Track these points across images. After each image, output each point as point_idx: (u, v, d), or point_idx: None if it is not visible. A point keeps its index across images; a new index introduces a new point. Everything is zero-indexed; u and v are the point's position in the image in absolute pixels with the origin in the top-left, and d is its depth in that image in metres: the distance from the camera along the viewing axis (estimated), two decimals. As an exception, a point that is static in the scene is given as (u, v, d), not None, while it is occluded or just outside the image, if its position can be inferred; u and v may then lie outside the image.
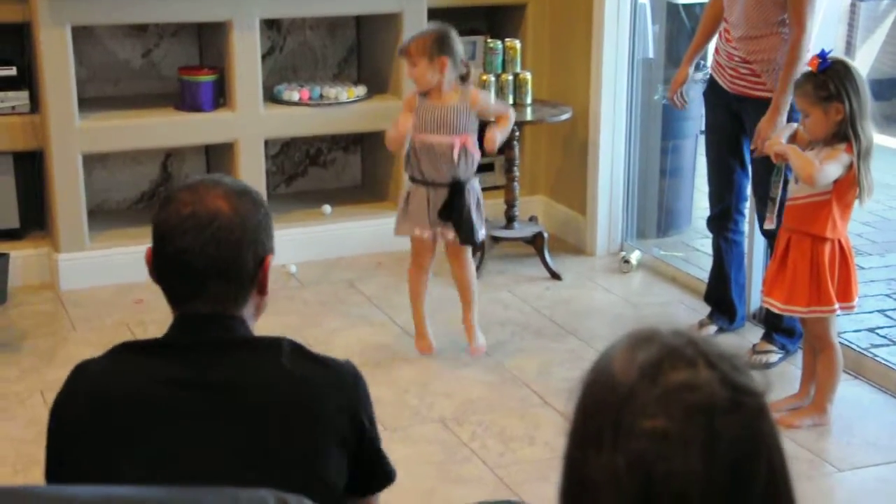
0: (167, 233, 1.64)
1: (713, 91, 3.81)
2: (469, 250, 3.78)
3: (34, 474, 3.07)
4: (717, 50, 3.76)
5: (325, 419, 1.63)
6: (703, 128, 4.00)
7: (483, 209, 3.73)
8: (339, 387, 1.66)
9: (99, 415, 1.60)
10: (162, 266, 1.67)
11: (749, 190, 3.85)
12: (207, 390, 1.59)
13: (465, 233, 3.64)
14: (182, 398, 1.58)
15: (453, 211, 3.62)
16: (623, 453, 1.02)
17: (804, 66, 3.35)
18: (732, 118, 3.76)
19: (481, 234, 3.73)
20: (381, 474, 1.77)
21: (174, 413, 1.58)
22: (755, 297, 4.02)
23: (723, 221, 3.91)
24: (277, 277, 4.49)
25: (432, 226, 3.66)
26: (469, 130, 3.64)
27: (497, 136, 3.64)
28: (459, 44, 3.66)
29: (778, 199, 3.34)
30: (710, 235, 4.04)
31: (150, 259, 1.69)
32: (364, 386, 1.70)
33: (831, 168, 3.14)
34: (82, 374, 1.67)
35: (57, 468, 1.63)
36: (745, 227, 3.95)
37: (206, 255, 1.61)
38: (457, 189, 3.61)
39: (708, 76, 3.87)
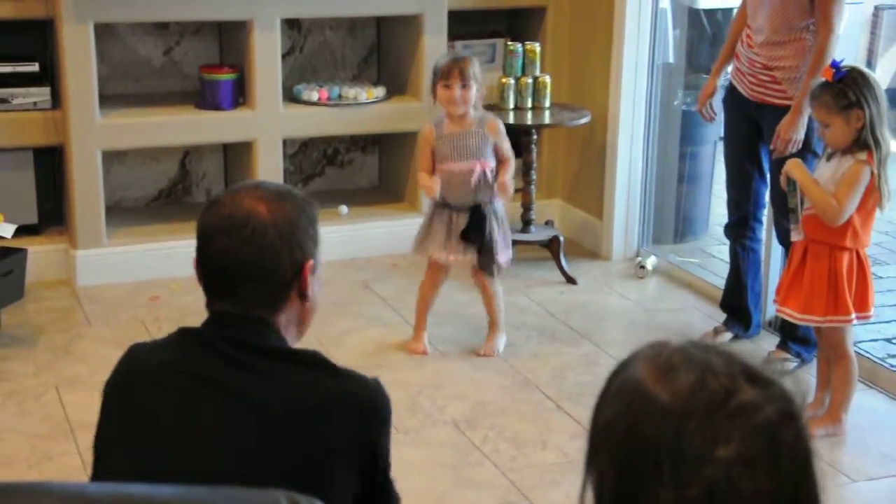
0: (205, 235, 1.67)
1: (732, 98, 3.80)
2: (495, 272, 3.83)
3: (48, 470, 3.08)
4: (737, 56, 3.75)
5: (341, 440, 1.62)
6: (722, 134, 3.98)
7: (508, 231, 3.82)
8: (361, 408, 1.65)
9: (125, 389, 1.65)
10: (202, 266, 1.70)
11: (767, 197, 3.84)
12: (224, 392, 1.60)
13: (486, 260, 3.73)
14: (198, 393, 1.60)
15: (475, 235, 3.70)
16: (694, 483, 1.01)
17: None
18: (751, 125, 3.75)
19: (506, 255, 3.80)
20: (389, 501, 1.75)
21: (188, 406, 1.60)
22: (771, 304, 4.00)
23: (740, 229, 3.90)
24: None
25: (452, 250, 3.72)
26: (487, 156, 3.72)
27: (510, 182, 3.74)
28: None
29: (799, 209, 3.33)
30: (727, 242, 4.03)
31: (196, 262, 1.72)
32: (387, 409, 1.69)
33: (851, 203, 3.15)
34: (131, 350, 1.72)
35: (100, 432, 1.69)
36: (763, 235, 3.93)
37: (240, 257, 1.63)
38: (478, 214, 3.70)
39: (728, 83, 3.86)
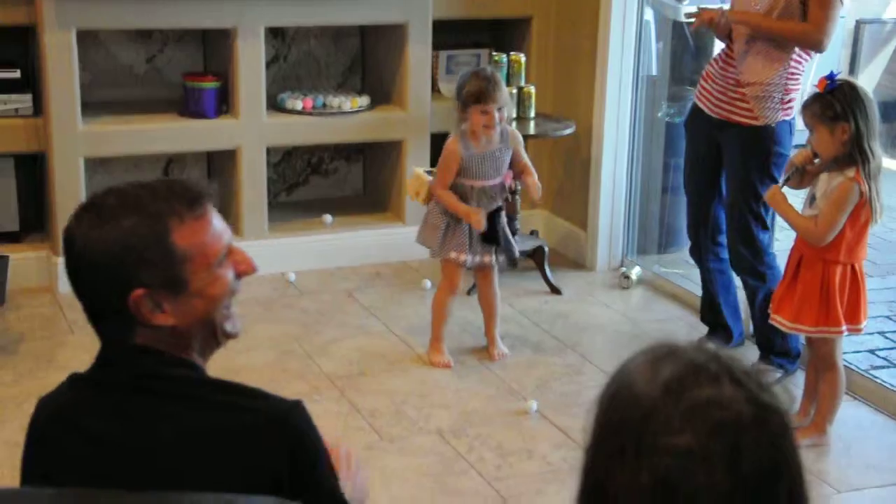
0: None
1: (694, 121, 3.79)
2: (496, 271, 3.86)
3: (28, 478, 3.05)
4: (706, 76, 3.72)
5: (246, 474, 1.46)
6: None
7: (511, 239, 3.87)
8: (265, 434, 1.48)
9: (32, 450, 1.58)
10: None
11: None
12: (112, 448, 1.49)
13: (510, 255, 3.79)
14: (88, 453, 1.50)
15: (497, 237, 3.72)
16: (647, 469, 1.01)
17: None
18: (711, 148, 3.73)
19: (518, 252, 3.89)
20: None
21: (82, 468, 1.50)
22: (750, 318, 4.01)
23: (702, 252, 3.91)
24: (276, 285, 4.48)
25: (472, 251, 3.72)
26: (508, 166, 3.75)
27: (538, 182, 3.77)
28: None
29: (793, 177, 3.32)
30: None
31: None
32: (302, 426, 1.51)
33: (834, 225, 3.16)
34: (38, 408, 1.62)
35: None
36: (727, 254, 3.87)
37: (74, 288, 1.52)
38: (496, 217, 3.72)
39: (691, 104, 3.84)
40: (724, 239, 3.83)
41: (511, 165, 3.76)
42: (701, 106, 3.73)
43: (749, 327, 4.03)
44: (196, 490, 1.41)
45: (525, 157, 3.80)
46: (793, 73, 3.55)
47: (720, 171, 3.74)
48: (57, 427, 1.54)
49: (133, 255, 1.45)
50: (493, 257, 3.76)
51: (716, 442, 1.01)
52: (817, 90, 3.16)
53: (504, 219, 3.77)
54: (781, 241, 3.96)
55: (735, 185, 3.67)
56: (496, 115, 3.60)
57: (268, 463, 1.47)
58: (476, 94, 3.57)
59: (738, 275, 3.83)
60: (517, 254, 3.87)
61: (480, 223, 3.65)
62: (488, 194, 3.71)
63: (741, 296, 3.97)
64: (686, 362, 1.06)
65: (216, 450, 1.47)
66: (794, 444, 1.06)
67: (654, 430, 1.02)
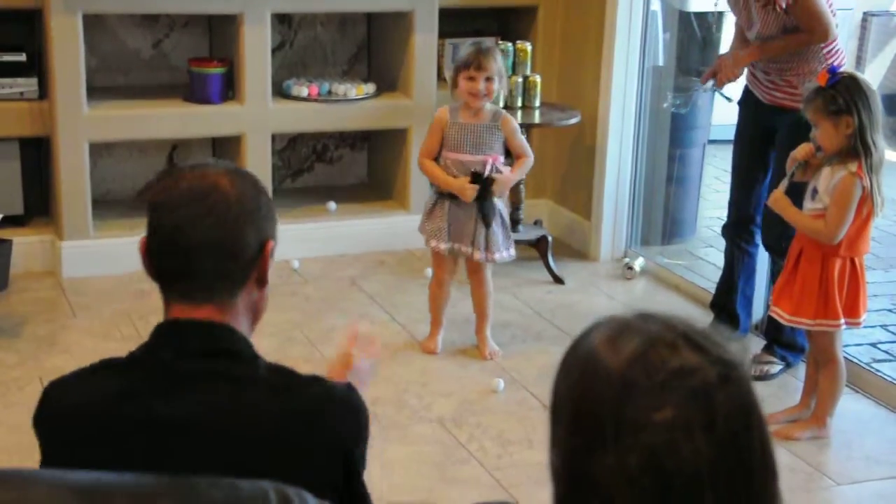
0: (160, 206, 1.53)
1: (748, 101, 3.81)
2: (489, 268, 3.81)
3: (30, 461, 3.06)
4: (752, 63, 3.74)
5: (312, 460, 1.49)
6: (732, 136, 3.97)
7: (509, 229, 3.81)
8: (331, 423, 1.51)
9: (57, 434, 1.53)
10: (154, 246, 1.54)
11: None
12: (172, 431, 1.46)
13: (487, 213, 3.66)
14: (141, 437, 1.46)
15: (487, 216, 3.66)
16: (633, 451, 1.02)
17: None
18: (764, 130, 3.74)
19: (509, 252, 3.79)
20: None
21: (133, 452, 1.46)
22: (759, 309, 4.01)
23: (738, 230, 3.89)
24: (280, 272, 4.48)
25: (450, 238, 3.70)
26: (498, 150, 3.71)
27: (513, 178, 3.73)
28: None
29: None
30: (714, 245, 4.03)
31: (144, 246, 1.57)
32: (364, 418, 1.56)
33: (843, 222, 3.15)
34: (56, 389, 1.56)
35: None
36: (760, 240, 3.90)
37: (202, 227, 1.49)
38: (485, 198, 3.65)
39: (745, 85, 3.85)
40: (760, 220, 3.83)
41: (507, 154, 3.76)
42: (753, 90, 3.75)
43: (760, 315, 4.02)
44: (278, 467, 1.43)
45: (518, 146, 3.74)
46: (829, 52, 3.57)
47: (769, 152, 3.75)
48: (125, 407, 1.48)
49: (269, 206, 1.55)
50: (472, 250, 3.71)
51: (693, 409, 1.02)
52: (819, 84, 3.16)
53: (493, 203, 3.68)
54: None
55: (781, 167, 3.66)
56: (483, 84, 3.60)
57: (339, 440, 1.52)
58: (465, 60, 3.62)
59: (768, 251, 3.81)
60: (510, 248, 3.77)
61: (464, 191, 3.62)
62: (466, 171, 3.67)
63: (751, 296, 3.96)
64: (643, 335, 1.07)
65: (296, 427, 1.49)
66: (754, 393, 1.07)
67: (632, 409, 1.03)
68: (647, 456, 1.01)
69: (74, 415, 1.51)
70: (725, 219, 3.97)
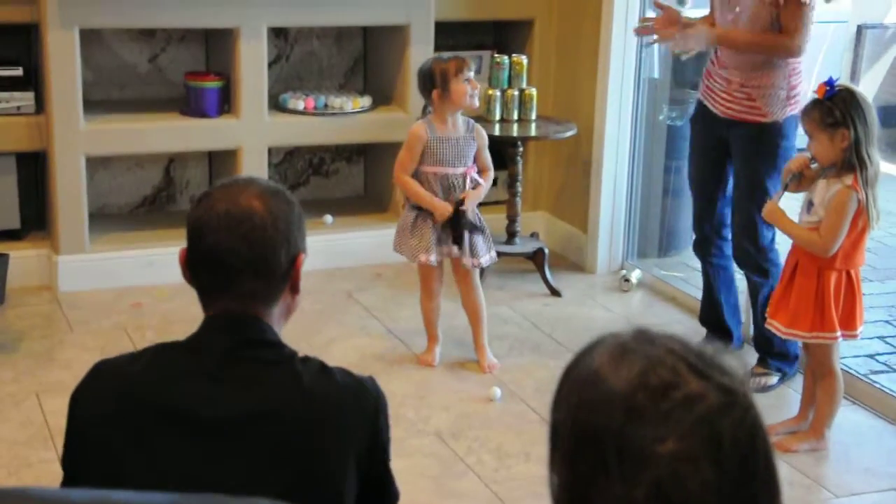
0: (201, 228, 1.66)
1: (702, 117, 3.79)
2: (477, 273, 3.82)
3: (27, 477, 3.05)
4: (708, 74, 3.73)
5: (347, 438, 1.64)
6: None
7: (489, 234, 3.81)
8: (362, 406, 1.67)
9: (121, 413, 1.61)
10: (195, 262, 1.68)
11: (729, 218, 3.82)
12: (228, 406, 1.60)
13: (461, 234, 3.70)
14: (202, 411, 1.59)
15: (460, 234, 3.69)
16: (640, 485, 1.00)
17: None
18: (718, 144, 3.73)
19: (490, 257, 3.80)
20: (389, 494, 1.77)
21: (193, 425, 1.59)
22: (752, 320, 4.01)
23: (706, 247, 3.91)
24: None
25: (438, 250, 3.72)
26: (472, 161, 3.75)
27: (482, 194, 3.76)
28: None
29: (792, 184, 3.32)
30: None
31: (183, 258, 1.70)
32: (385, 405, 1.72)
33: (838, 234, 3.16)
34: (109, 370, 1.67)
35: (73, 459, 1.65)
36: (730, 251, 3.87)
37: (240, 252, 1.63)
38: (459, 214, 3.69)
39: (697, 101, 3.84)
40: (728, 234, 3.83)
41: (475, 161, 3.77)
42: (707, 104, 3.73)
43: (749, 329, 4.03)
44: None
45: (486, 158, 3.79)
46: (794, 69, 3.56)
47: (726, 166, 3.75)
48: (169, 392, 1.60)
49: (300, 220, 1.71)
50: (457, 248, 3.72)
51: (698, 439, 1.01)
52: (817, 97, 3.17)
53: (469, 215, 3.71)
54: (781, 245, 3.97)
55: (742, 181, 3.67)
56: (477, 84, 3.71)
57: (367, 424, 1.66)
58: (457, 66, 3.66)
59: (741, 270, 3.83)
60: (490, 250, 3.78)
61: (444, 215, 3.66)
62: (448, 183, 3.70)
63: (741, 300, 3.97)
64: (645, 362, 1.04)
65: (328, 414, 1.63)
66: (758, 412, 1.06)
67: (636, 440, 1.01)
68: (654, 490, 1.00)
69: (103, 396, 1.63)
70: (693, 237, 3.97)
